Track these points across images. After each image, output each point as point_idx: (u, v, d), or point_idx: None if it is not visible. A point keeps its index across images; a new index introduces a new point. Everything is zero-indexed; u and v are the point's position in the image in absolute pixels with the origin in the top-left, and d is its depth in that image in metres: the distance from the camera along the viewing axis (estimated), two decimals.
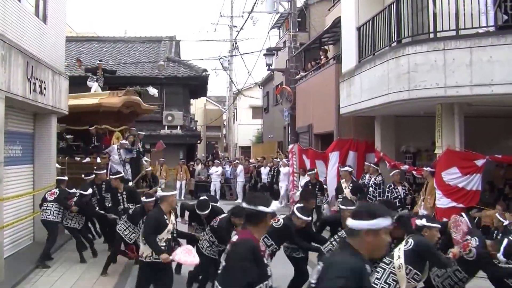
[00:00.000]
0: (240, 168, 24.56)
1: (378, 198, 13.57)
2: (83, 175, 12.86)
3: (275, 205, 4.46)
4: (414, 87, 10.66)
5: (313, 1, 26.96)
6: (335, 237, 7.98)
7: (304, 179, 19.15)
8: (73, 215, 11.35)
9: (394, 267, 5.92)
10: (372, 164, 14.30)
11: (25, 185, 12.29)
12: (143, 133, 19.03)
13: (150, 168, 17.75)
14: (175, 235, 7.72)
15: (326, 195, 15.95)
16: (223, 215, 8.75)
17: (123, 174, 12.38)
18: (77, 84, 18.65)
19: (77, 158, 16.70)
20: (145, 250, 7.46)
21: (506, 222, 9.06)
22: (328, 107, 17.25)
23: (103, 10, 69.06)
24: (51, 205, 11.03)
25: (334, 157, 15.77)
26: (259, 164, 24.89)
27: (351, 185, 13.17)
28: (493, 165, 11.83)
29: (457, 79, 10.08)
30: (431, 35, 10.81)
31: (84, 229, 11.94)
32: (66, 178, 12.07)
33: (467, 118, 11.24)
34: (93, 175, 12.60)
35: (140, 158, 17.41)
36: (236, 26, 36.22)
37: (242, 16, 32.24)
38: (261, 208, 4.36)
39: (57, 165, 17.24)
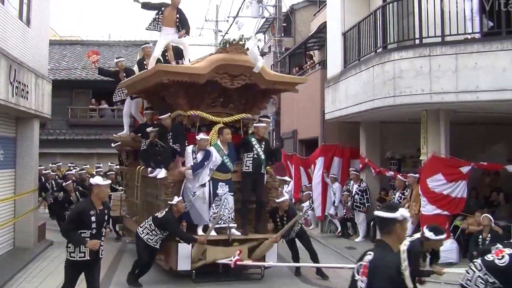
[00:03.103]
0: None
1: (366, 205, 13.55)
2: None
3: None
4: (400, 93, 10.66)
5: (298, 7, 26.97)
6: None
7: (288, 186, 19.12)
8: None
9: None
10: (353, 171, 14.29)
11: (6, 189, 12.08)
12: (263, 124, 10.59)
13: (285, 198, 10.56)
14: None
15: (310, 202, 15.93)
16: None
17: None
18: (61, 88, 18.38)
19: (149, 170, 10.80)
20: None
21: None
22: (313, 113, 17.23)
23: (87, 15, 68.65)
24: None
25: (319, 163, 15.72)
26: None
27: None
28: (479, 173, 11.86)
29: (442, 86, 10.11)
30: (417, 41, 10.82)
31: None
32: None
33: (452, 125, 11.28)
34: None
35: (260, 172, 10.10)
36: (221, 31, 36.11)
37: (227, 21, 32.15)
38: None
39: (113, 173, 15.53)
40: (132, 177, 12.23)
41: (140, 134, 11.76)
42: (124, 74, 12.50)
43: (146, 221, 9.40)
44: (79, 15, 67.69)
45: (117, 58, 13.36)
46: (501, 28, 9.78)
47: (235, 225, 9.74)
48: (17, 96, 10.84)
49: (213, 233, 9.45)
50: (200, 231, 9.57)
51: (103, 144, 24.03)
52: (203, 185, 9.52)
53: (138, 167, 11.50)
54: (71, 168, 17.97)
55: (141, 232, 9.27)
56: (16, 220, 12.24)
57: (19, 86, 10.98)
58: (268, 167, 10.40)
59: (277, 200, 10.10)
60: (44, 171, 15.97)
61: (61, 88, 20.76)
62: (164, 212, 9.16)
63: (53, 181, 15.87)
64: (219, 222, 9.45)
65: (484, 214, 10.12)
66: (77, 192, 14.37)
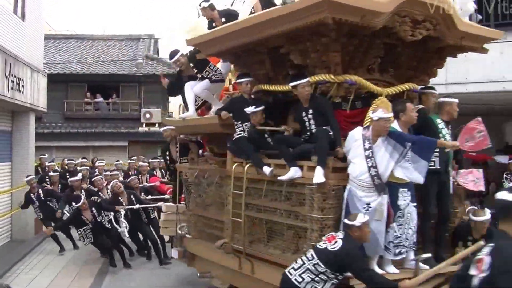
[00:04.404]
0: None
1: None
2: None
3: None
4: None
5: None
6: None
7: None
8: None
9: None
10: None
11: (3, 183, 12.20)
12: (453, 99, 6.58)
13: (487, 216, 6.59)
14: None
15: None
16: None
17: None
18: (57, 82, 18.33)
19: (268, 170, 6.25)
20: None
21: None
22: None
23: (82, 9, 68.29)
24: None
25: None
26: None
27: None
28: None
29: None
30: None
31: None
32: None
33: None
34: None
35: (447, 171, 6.42)
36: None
37: None
38: None
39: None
40: (199, 180, 8.01)
41: (231, 114, 7.04)
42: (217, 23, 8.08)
43: (305, 259, 5.21)
44: (73, 10, 67.49)
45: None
46: None
47: (430, 254, 5.84)
48: (12, 90, 10.92)
49: (392, 269, 5.68)
50: (376, 267, 5.59)
51: (99, 137, 24.17)
52: (383, 192, 5.55)
53: (235, 164, 6.83)
54: (78, 167, 13.85)
55: (298, 279, 5.14)
56: (13, 212, 12.27)
57: (15, 80, 11.06)
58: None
59: (475, 218, 6.49)
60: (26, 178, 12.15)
61: (56, 82, 20.81)
62: (341, 242, 5.11)
63: (39, 189, 11.87)
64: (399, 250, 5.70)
65: None
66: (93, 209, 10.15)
